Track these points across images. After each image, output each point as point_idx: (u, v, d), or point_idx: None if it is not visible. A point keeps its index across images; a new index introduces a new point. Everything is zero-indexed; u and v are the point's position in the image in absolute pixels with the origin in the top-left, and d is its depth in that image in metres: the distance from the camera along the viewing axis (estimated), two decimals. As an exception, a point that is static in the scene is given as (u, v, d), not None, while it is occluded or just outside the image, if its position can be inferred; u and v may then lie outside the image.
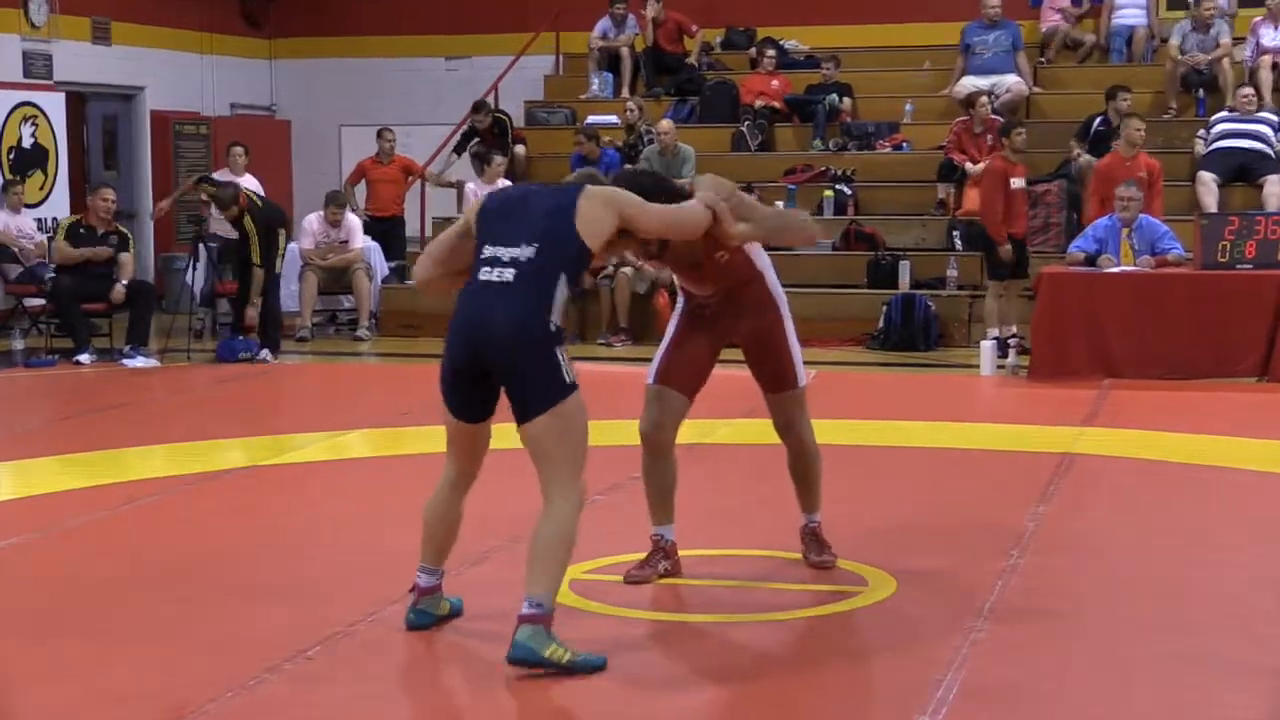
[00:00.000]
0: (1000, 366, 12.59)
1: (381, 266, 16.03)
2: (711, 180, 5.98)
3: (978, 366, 12.67)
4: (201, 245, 14.69)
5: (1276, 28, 16.20)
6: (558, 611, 5.22)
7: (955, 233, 15.23)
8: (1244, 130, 14.98)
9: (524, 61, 18.60)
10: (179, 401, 12.08)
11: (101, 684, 5.18)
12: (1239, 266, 12.08)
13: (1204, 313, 12.00)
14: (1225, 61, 16.23)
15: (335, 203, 15.40)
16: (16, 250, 14.36)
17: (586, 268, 5.56)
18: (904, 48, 18.39)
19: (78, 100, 17.75)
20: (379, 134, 16.89)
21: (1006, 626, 5.80)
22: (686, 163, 15.40)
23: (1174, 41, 16.42)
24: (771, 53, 17.67)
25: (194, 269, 14.73)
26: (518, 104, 18.37)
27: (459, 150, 17.12)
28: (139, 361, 13.39)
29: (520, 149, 17.22)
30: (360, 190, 16.80)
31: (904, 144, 16.87)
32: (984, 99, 15.74)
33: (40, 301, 14.20)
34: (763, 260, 6.28)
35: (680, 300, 6.42)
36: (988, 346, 12.65)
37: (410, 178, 17.01)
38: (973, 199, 14.85)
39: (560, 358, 5.24)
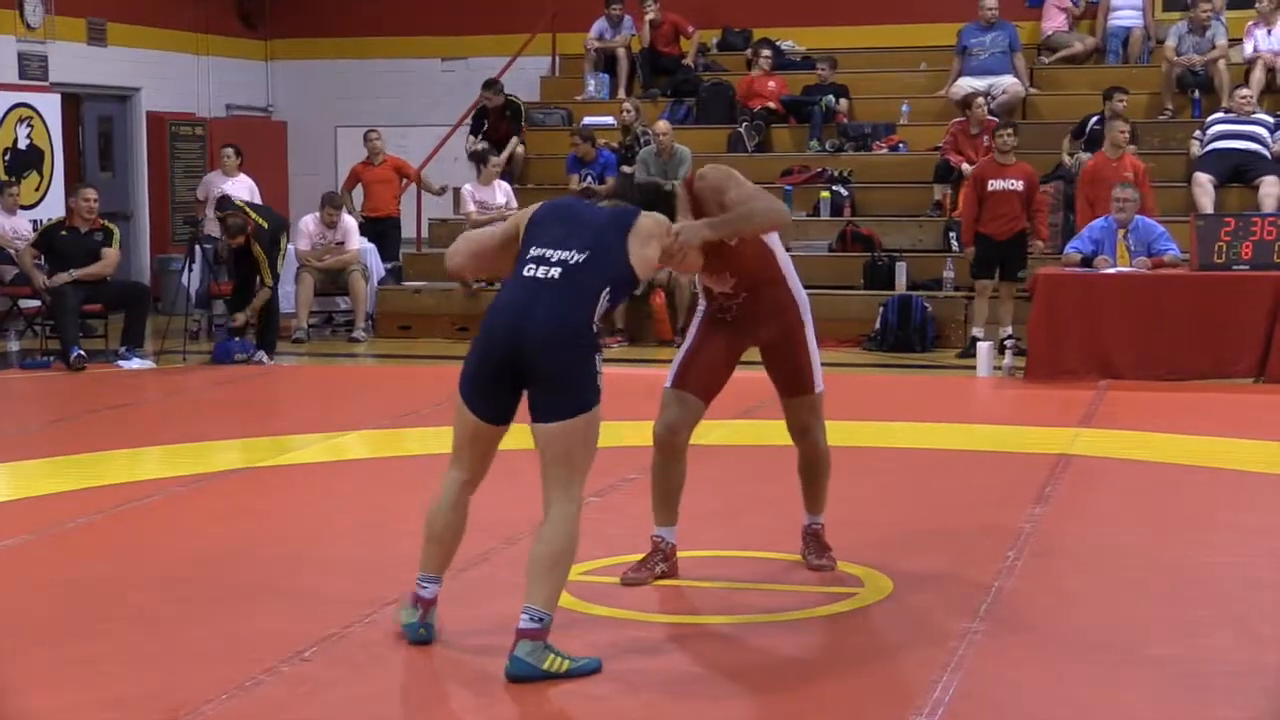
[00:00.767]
0: (996, 368, 12.60)
1: (378, 268, 16.03)
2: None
3: (974, 368, 12.67)
4: (197, 246, 14.67)
5: (1269, 31, 16.23)
6: (556, 614, 5.21)
7: (952, 234, 15.23)
8: (1240, 131, 14.99)
9: (520, 62, 18.60)
10: (175, 403, 12.07)
11: (98, 686, 5.18)
12: (1235, 268, 12.08)
13: (1200, 314, 12.01)
14: (1221, 63, 16.24)
15: (331, 204, 15.39)
16: (12, 252, 14.34)
17: (632, 290, 5.50)
18: (900, 49, 18.40)
19: (73, 101, 17.73)
20: (365, 136, 16.90)
21: (1003, 627, 5.79)
22: (683, 164, 15.38)
23: (1170, 43, 16.44)
24: (768, 53, 17.67)
25: (189, 270, 14.71)
26: (514, 105, 18.37)
27: (475, 132, 17.27)
28: (134, 363, 13.37)
29: (521, 149, 17.23)
30: (357, 193, 16.79)
31: (900, 145, 16.88)
32: (980, 100, 15.75)
33: (36, 303, 14.18)
34: (785, 263, 6.25)
35: (702, 303, 6.39)
36: (984, 348, 12.66)
37: (405, 181, 16.99)
38: (968, 200, 14.87)
39: (598, 365, 5.23)
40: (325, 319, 16.29)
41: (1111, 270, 12.30)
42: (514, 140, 17.18)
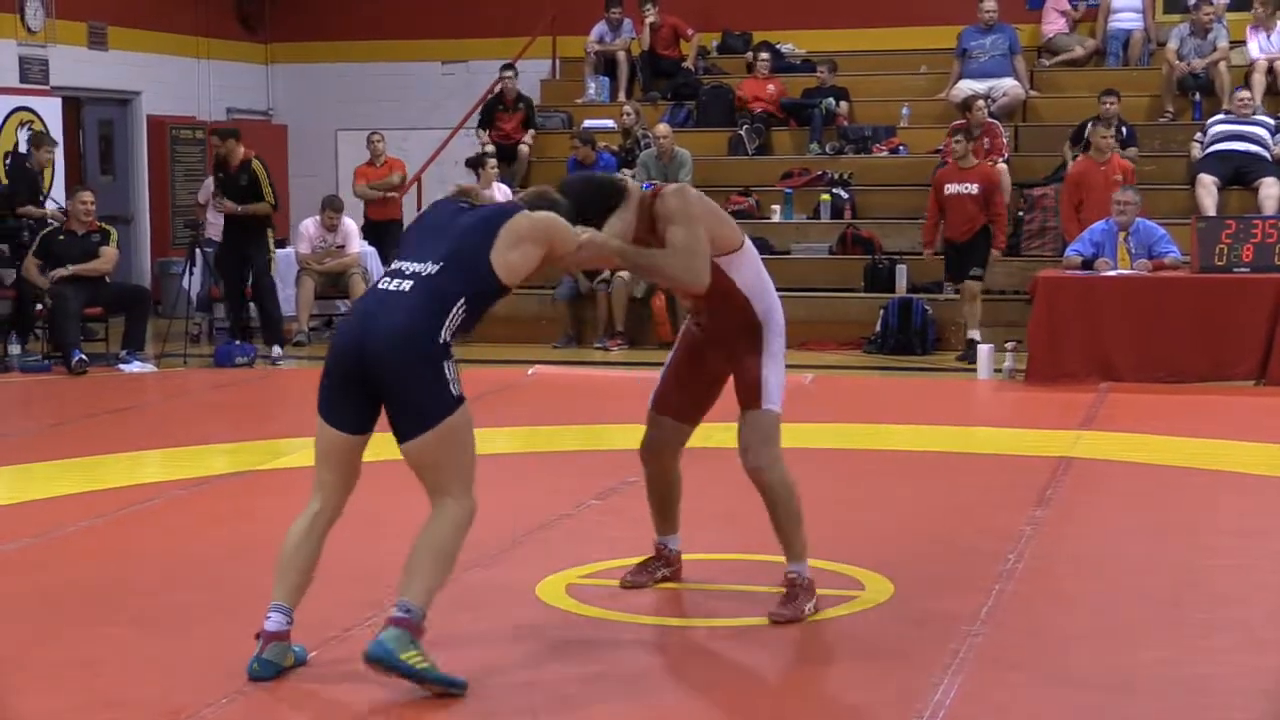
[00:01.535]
0: (997, 370, 12.59)
1: (378, 270, 16.01)
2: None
3: (975, 370, 12.66)
4: (198, 250, 14.67)
5: (1269, 35, 16.23)
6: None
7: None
8: (1241, 133, 14.98)
9: (520, 66, 18.58)
10: (175, 406, 12.07)
11: (97, 689, 5.18)
12: (1236, 270, 12.08)
13: (1201, 316, 12.00)
14: (1222, 65, 16.24)
15: (332, 207, 15.40)
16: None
17: (496, 299, 5.26)
18: (900, 51, 18.40)
19: (74, 105, 17.74)
20: (368, 139, 16.92)
21: (1004, 630, 5.79)
22: (684, 167, 15.39)
23: (1172, 45, 16.42)
24: (767, 56, 17.67)
25: (190, 273, 14.71)
26: (514, 107, 18.39)
27: (484, 125, 17.37)
28: (135, 366, 13.37)
29: (524, 149, 17.24)
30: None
31: (901, 148, 16.87)
32: (980, 103, 15.74)
33: (37, 306, 14.16)
34: (752, 285, 5.91)
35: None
36: (984, 350, 12.65)
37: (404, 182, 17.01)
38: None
39: (449, 371, 5.05)
40: (326, 322, 16.28)
41: (1112, 273, 12.30)
42: (530, 132, 17.26)
